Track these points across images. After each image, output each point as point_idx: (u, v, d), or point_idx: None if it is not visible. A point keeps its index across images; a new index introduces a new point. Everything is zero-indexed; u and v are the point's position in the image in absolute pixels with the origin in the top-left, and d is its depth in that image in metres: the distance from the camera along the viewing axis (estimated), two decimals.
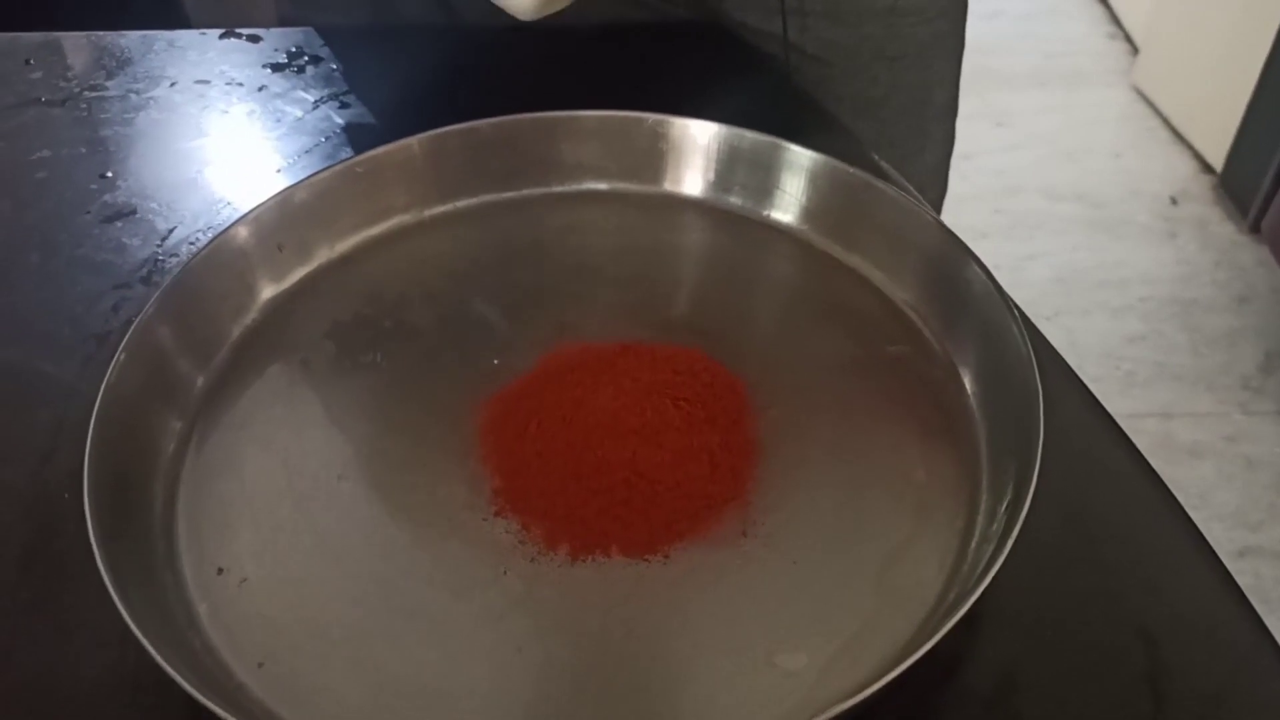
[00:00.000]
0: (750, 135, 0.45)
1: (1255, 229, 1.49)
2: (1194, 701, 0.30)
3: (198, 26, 0.63)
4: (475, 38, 0.60)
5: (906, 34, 0.61)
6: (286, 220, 0.43)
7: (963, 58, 0.65)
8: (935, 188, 0.69)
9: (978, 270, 0.39)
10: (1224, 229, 1.55)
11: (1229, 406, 1.30)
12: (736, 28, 0.59)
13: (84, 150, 0.53)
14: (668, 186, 0.47)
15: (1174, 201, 1.60)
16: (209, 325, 0.40)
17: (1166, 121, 1.72)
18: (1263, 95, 1.43)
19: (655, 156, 0.47)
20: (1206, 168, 1.62)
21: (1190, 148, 1.66)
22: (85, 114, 0.56)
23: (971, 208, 1.55)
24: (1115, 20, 1.96)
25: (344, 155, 0.48)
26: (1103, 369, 1.33)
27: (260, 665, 0.31)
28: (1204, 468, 1.23)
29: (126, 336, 0.36)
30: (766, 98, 0.55)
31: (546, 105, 0.46)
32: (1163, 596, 0.33)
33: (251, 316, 0.42)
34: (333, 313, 0.43)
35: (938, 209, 0.70)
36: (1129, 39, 1.90)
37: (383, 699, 0.31)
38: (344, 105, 0.55)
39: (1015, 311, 0.37)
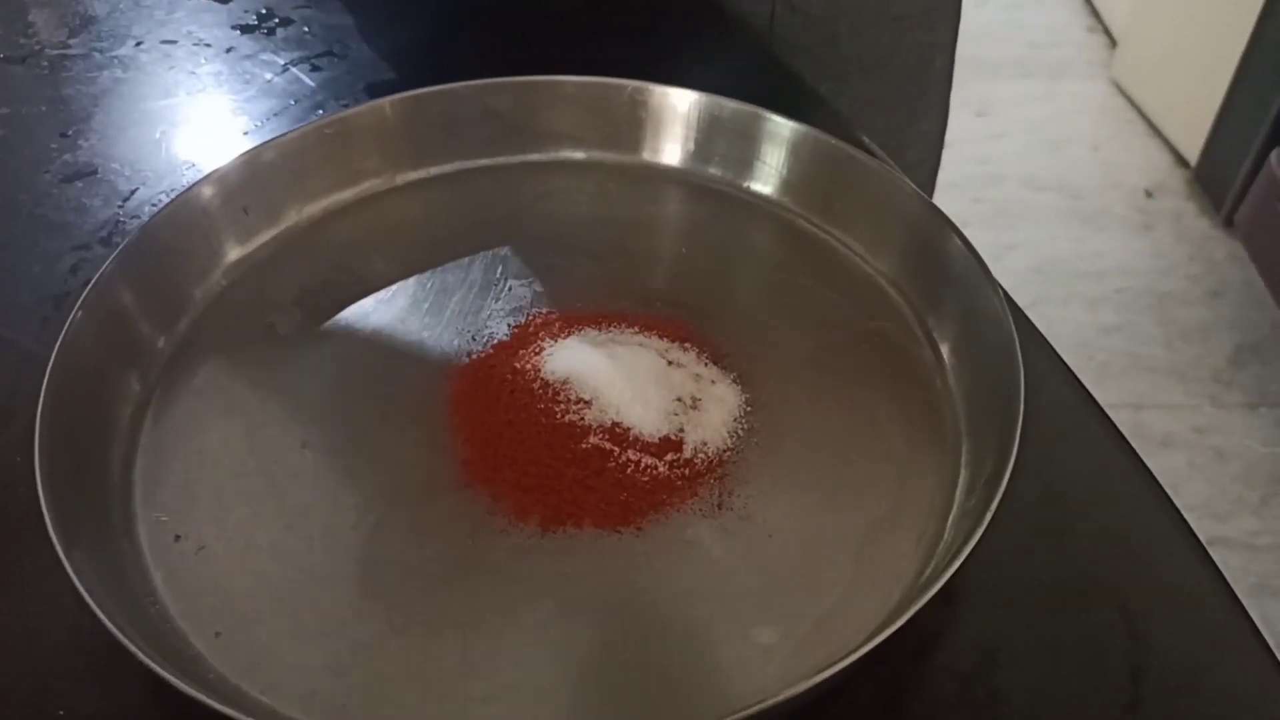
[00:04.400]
0: (731, 104, 0.44)
1: (1229, 223, 1.50)
2: (1172, 677, 0.30)
3: None
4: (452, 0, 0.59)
5: None
6: (253, 181, 0.41)
7: (959, 28, 0.65)
8: (931, 158, 0.69)
9: (960, 244, 0.38)
10: (1198, 223, 1.56)
11: (1200, 399, 1.31)
12: None
13: (44, 108, 0.52)
14: (646, 156, 0.46)
15: (1149, 194, 1.61)
16: (171, 286, 0.39)
17: (1143, 115, 1.72)
18: (1239, 91, 1.43)
19: (634, 125, 0.46)
20: (1182, 161, 1.63)
21: (1166, 141, 1.67)
22: (46, 72, 0.54)
23: (952, 196, 1.54)
24: (1094, 13, 1.97)
25: (314, 118, 0.46)
26: (1077, 359, 1.33)
27: (218, 635, 0.30)
28: (1174, 459, 1.24)
29: (84, 295, 0.35)
30: (749, 68, 0.55)
31: (524, 70, 0.45)
32: (1141, 573, 0.33)
33: (216, 279, 0.41)
34: (300, 278, 0.41)
35: (933, 180, 0.70)
36: (1108, 32, 1.91)
37: (343, 670, 0.30)
38: (315, 68, 0.54)
39: (997, 286, 0.36)
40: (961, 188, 1.59)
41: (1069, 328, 1.38)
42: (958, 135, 0.70)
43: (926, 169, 0.69)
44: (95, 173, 0.48)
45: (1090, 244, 1.54)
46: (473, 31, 0.56)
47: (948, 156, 0.72)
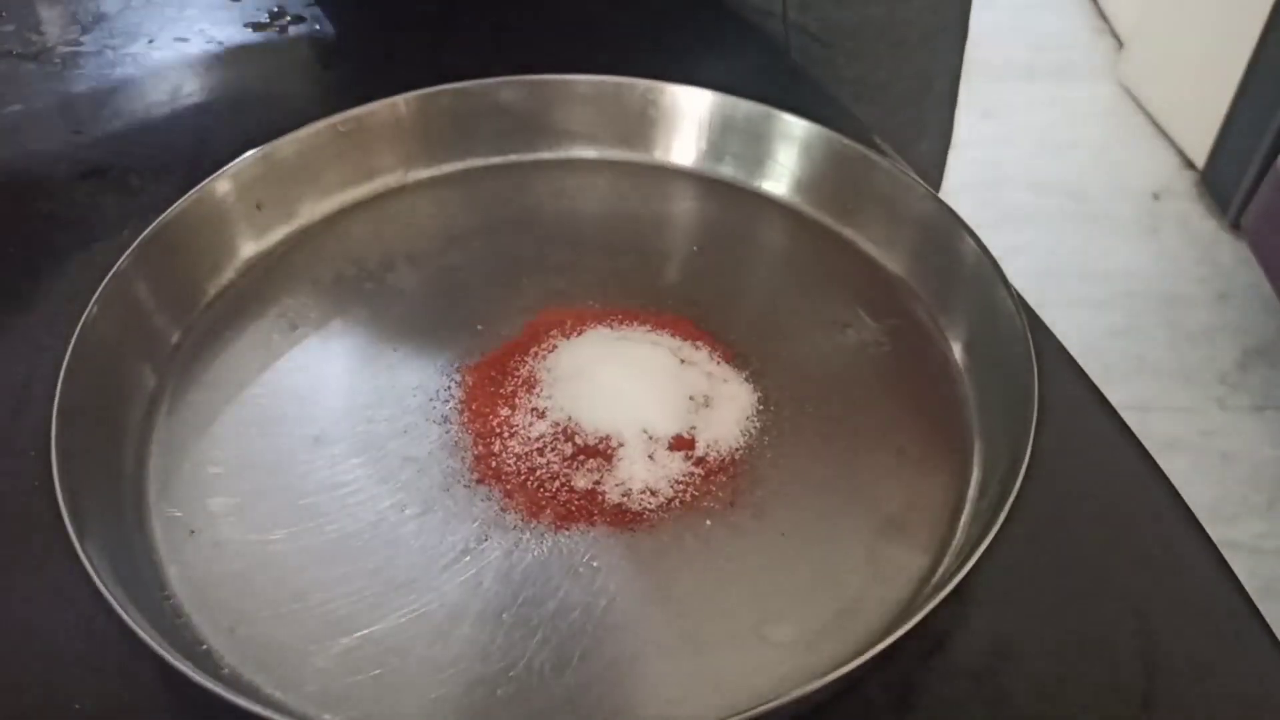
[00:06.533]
0: (744, 104, 0.44)
1: (1236, 226, 1.50)
2: (1185, 676, 0.30)
3: None
4: None
5: (910, 18, 0.61)
6: (267, 177, 0.42)
7: (964, 51, 0.65)
8: (930, 179, 0.69)
9: (972, 244, 0.38)
10: (1205, 225, 1.55)
11: (1206, 402, 1.31)
12: (738, 5, 0.58)
13: (57, 105, 0.52)
14: (659, 155, 0.46)
15: (1156, 197, 1.61)
16: (186, 281, 0.39)
17: (1150, 117, 1.72)
18: (1246, 93, 1.43)
19: (646, 124, 0.46)
20: (1189, 164, 1.63)
21: (1173, 144, 1.67)
22: (59, 69, 0.54)
23: (958, 198, 1.54)
24: (1102, 15, 1.97)
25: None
26: (1083, 361, 1.33)
27: (232, 629, 0.30)
28: (1180, 462, 1.24)
29: (100, 288, 0.35)
30: (762, 69, 0.55)
31: (538, 68, 0.45)
32: (1153, 571, 0.33)
33: (230, 274, 0.41)
34: (314, 274, 0.42)
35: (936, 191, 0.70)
36: (1115, 34, 1.90)
37: (357, 665, 0.30)
38: (327, 66, 0.54)
39: (1010, 286, 0.36)
40: (967, 190, 1.59)
41: (1075, 330, 1.37)
42: (964, 138, 0.70)
43: (928, 184, 0.69)
44: (108, 170, 0.48)
45: (1096, 246, 1.54)
46: (485, 29, 0.56)
47: (954, 158, 0.72)
